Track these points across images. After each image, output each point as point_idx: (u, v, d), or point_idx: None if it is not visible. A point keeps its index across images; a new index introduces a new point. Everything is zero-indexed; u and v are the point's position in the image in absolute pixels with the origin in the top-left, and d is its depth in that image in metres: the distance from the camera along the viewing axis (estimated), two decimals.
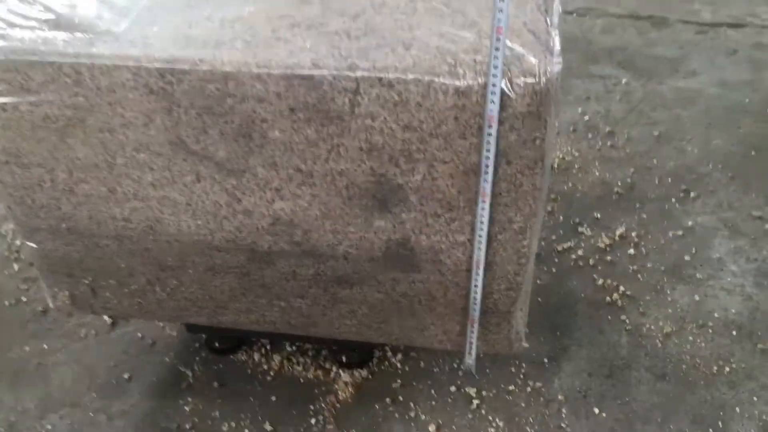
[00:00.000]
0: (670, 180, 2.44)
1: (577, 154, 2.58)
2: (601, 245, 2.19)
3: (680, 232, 2.24)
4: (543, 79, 1.18)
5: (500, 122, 1.22)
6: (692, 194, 2.38)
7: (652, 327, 1.93)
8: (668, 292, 2.03)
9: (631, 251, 2.17)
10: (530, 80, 1.18)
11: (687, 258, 2.14)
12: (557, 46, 1.26)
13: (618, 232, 2.23)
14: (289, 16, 1.36)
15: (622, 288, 2.04)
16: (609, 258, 2.15)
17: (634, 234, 2.23)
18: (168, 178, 1.39)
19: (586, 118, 2.78)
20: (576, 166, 2.54)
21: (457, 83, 1.20)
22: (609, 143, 2.66)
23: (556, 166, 2.53)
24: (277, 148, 1.31)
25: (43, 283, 1.69)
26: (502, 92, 1.18)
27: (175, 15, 1.38)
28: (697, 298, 2.00)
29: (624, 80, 3.00)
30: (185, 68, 1.25)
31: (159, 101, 1.28)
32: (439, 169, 1.30)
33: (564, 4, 3.59)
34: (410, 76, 1.20)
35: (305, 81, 1.23)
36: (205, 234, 1.47)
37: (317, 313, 1.60)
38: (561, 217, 2.30)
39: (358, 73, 1.21)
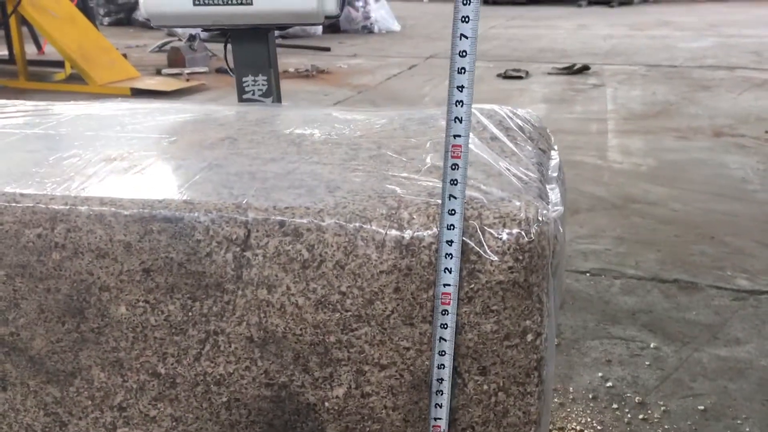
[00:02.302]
0: None
1: (600, 428, 2.10)
2: None
3: None
4: (533, 230, 0.80)
5: (467, 299, 0.82)
6: None
7: None
8: None
9: None
10: (513, 231, 0.80)
11: None
12: (556, 197, 0.90)
13: None
14: (178, 158, 1.03)
15: None
16: None
17: None
18: None
19: (609, 384, 2.33)
20: None
21: (399, 233, 0.82)
22: (641, 416, 2.18)
23: None
24: (123, 335, 0.90)
25: None
26: (467, 249, 0.80)
27: (20, 152, 1.06)
28: None
29: (652, 344, 2.61)
30: None
31: None
32: (372, 379, 0.87)
33: (575, 264, 3.35)
34: (327, 221, 0.83)
35: (169, 225, 0.86)
36: None
37: None
38: None
39: (250, 216, 0.84)
